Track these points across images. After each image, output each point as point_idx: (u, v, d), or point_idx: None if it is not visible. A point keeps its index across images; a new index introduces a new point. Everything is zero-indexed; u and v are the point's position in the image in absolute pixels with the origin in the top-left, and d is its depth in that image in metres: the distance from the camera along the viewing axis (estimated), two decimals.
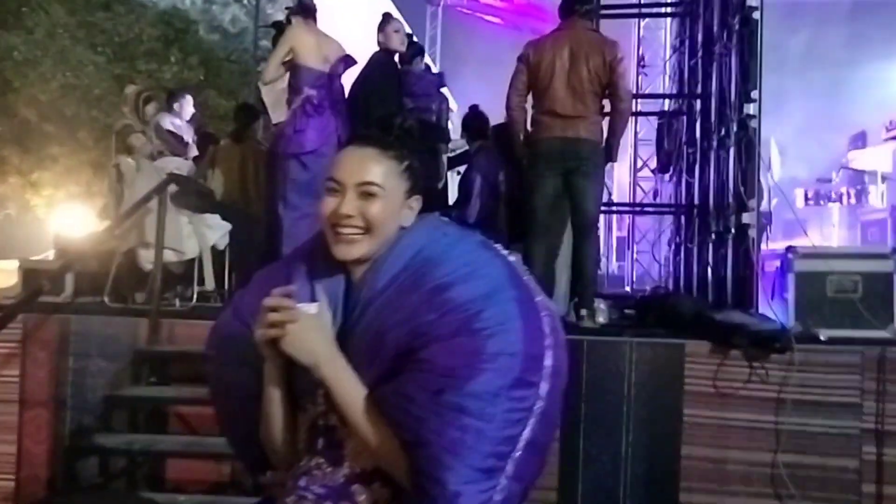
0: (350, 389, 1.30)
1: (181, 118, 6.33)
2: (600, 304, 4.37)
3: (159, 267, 4.07)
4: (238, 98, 10.65)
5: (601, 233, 10.01)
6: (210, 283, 4.75)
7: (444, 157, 5.53)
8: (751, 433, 3.49)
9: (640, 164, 9.61)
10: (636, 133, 9.52)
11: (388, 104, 4.48)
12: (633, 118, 8.59)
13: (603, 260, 9.80)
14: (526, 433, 1.27)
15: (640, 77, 9.78)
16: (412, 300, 1.30)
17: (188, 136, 6.25)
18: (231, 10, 12.93)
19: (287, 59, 4.43)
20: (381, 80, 4.57)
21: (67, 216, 12.00)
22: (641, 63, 9.85)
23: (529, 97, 4.36)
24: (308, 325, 1.29)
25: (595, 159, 4.21)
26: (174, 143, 5.77)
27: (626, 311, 4.82)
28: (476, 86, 9.77)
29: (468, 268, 1.32)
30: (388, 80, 4.61)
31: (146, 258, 4.33)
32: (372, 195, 1.34)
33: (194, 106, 6.68)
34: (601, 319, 4.27)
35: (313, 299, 1.35)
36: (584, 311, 4.14)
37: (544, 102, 4.24)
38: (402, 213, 1.39)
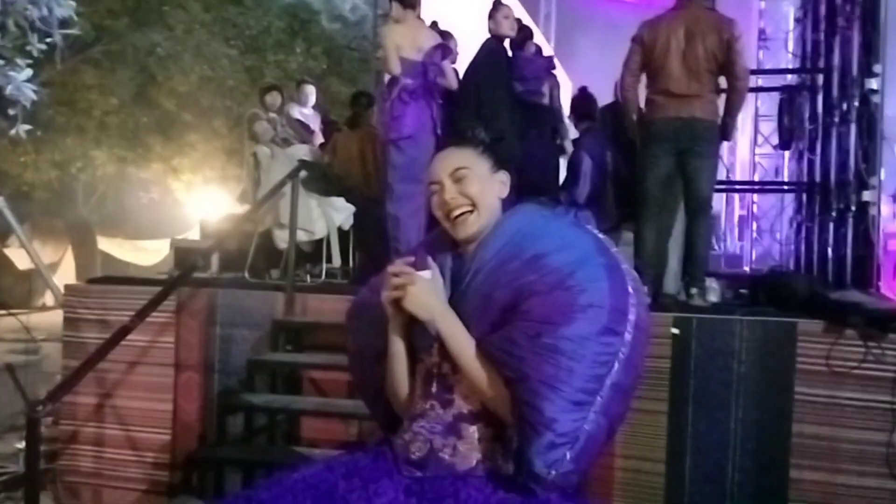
0: (461, 339, 1.58)
1: (307, 107, 6.76)
2: (712, 283, 4.33)
3: (293, 246, 4.46)
4: (358, 85, 11.10)
5: (722, 212, 9.76)
6: (337, 261, 5.18)
7: (569, 140, 5.55)
8: (865, 413, 3.43)
9: (760, 140, 9.31)
10: (756, 109, 9.20)
11: (499, 89, 4.63)
12: (754, 94, 8.31)
13: (722, 239, 9.54)
14: (612, 375, 1.49)
15: (760, 51, 9.35)
16: (515, 266, 1.57)
17: (314, 124, 6.67)
18: None
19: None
20: (492, 66, 4.72)
21: (204, 199, 12.97)
22: (762, 36, 9.43)
23: (643, 77, 4.35)
24: (424, 287, 1.59)
25: (710, 139, 4.17)
26: (302, 132, 6.21)
27: (741, 290, 4.77)
28: (592, 64, 9.66)
29: (562, 240, 1.58)
30: (498, 65, 4.75)
31: (281, 238, 4.76)
32: (464, 177, 1.64)
33: (318, 94, 7.09)
34: (712, 298, 4.25)
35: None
36: (694, 290, 4.13)
37: (659, 82, 4.21)
38: (495, 186, 1.68)
